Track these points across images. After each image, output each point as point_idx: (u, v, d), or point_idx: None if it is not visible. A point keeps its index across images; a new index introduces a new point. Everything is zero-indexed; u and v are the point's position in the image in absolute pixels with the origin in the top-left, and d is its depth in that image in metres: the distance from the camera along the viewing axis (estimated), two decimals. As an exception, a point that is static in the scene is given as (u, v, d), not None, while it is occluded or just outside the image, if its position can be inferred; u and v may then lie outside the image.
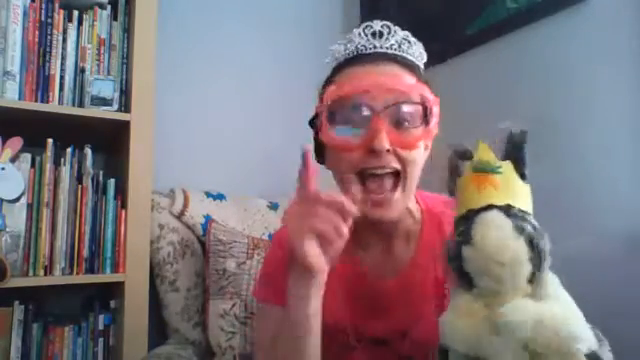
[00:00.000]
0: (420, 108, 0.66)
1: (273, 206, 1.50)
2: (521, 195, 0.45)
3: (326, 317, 0.72)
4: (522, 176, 0.47)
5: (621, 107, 1.11)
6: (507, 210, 0.43)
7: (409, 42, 0.70)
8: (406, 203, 0.69)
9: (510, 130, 0.48)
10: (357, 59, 0.69)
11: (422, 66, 0.72)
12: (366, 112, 0.64)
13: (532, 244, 0.41)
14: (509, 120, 0.49)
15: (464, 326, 0.43)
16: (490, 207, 0.44)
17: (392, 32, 0.69)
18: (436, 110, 0.67)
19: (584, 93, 1.17)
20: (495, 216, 0.42)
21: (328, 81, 0.72)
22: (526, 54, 1.32)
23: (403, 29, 0.71)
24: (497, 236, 0.41)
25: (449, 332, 0.45)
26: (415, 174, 0.68)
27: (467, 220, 0.44)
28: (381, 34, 0.69)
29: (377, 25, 0.69)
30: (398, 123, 0.65)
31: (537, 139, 1.32)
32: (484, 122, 1.53)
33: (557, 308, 0.41)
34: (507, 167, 0.46)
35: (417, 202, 0.77)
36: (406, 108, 0.65)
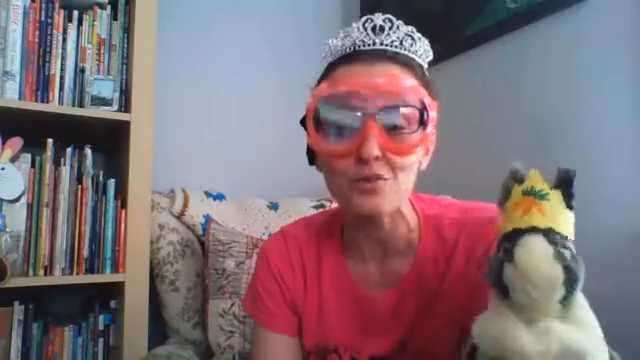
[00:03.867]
0: (417, 112, 0.61)
1: (273, 206, 1.50)
2: (564, 223, 0.48)
3: (322, 337, 0.72)
4: (569, 207, 0.49)
5: (621, 107, 1.11)
6: (548, 234, 0.47)
7: (412, 39, 0.64)
8: (399, 199, 0.64)
9: (560, 168, 0.50)
10: (353, 57, 0.63)
11: (426, 65, 0.67)
12: (357, 115, 0.59)
13: (568, 269, 0.45)
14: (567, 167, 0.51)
15: (492, 324, 0.48)
16: (534, 230, 0.47)
17: (394, 27, 0.63)
18: (433, 115, 0.62)
19: (584, 93, 1.17)
20: (538, 240, 0.46)
21: (320, 79, 0.67)
22: (526, 54, 1.32)
23: (405, 26, 0.65)
24: (536, 260, 0.45)
25: (479, 329, 0.49)
26: (409, 179, 0.63)
27: (511, 239, 0.48)
28: (382, 29, 0.63)
29: (378, 19, 0.63)
30: (392, 127, 0.60)
31: (537, 139, 1.33)
32: (484, 122, 1.54)
33: (582, 338, 0.45)
34: (555, 195, 0.49)
35: (413, 208, 0.72)
36: (401, 111, 0.60)
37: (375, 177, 0.60)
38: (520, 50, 1.34)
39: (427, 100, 0.61)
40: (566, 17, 1.21)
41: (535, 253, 0.45)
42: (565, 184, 0.49)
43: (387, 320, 0.69)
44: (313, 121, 0.63)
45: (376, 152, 0.58)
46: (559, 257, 0.45)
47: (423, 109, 0.61)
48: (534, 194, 0.49)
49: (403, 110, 0.60)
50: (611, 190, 1.10)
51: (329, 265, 0.74)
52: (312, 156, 0.68)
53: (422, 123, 0.61)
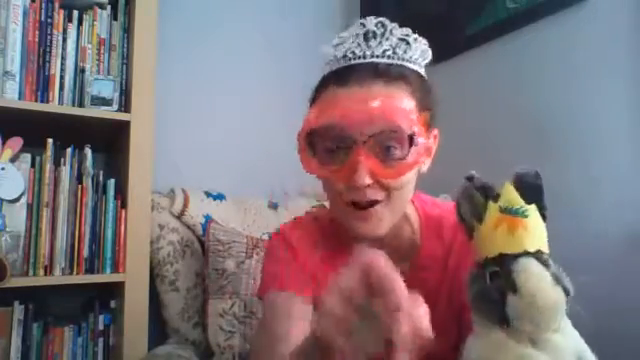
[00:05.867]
0: (409, 134, 0.60)
1: (273, 206, 1.51)
2: (544, 238, 0.48)
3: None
4: (543, 218, 0.49)
5: (621, 106, 1.11)
6: (539, 257, 0.46)
7: (407, 43, 0.63)
8: (395, 218, 0.65)
9: (522, 173, 0.50)
10: (344, 76, 0.62)
11: (423, 68, 0.67)
12: (347, 142, 0.59)
13: (566, 291, 0.45)
14: (524, 165, 0.50)
15: (508, 355, 0.47)
16: (525, 253, 0.47)
17: (387, 33, 0.62)
18: (422, 141, 0.61)
19: (584, 93, 1.17)
20: (536, 267, 0.46)
21: (314, 96, 0.67)
22: (526, 54, 1.32)
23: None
24: (541, 287, 0.45)
25: None
26: (404, 196, 0.64)
27: (503, 264, 0.47)
28: (375, 35, 0.62)
29: (371, 24, 0.62)
30: (384, 151, 0.60)
31: (537, 139, 1.33)
32: (484, 122, 1.54)
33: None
34: (532, 210, 0.48)
35: (415, 209, 0.73)
36: (392, 136, 0.59)
37: (368, 203, 0.60)
38: (520, 50, 1.34)
39: (416, 127, 0.60)
40: (566, 17, 1.21)
41: (538, 280, 0.45)
42: (535, 193, 0.49)
43: None
44: (305, 144, 0.63)
45: (367, 181, 0.58)
46: (557, 280, 0.45)
47: (413, 134, 0.60)
48: (517, 213, 0.48)
49: (394, 134, 0.59)
50: (610, 190, 1.10)
51: (338, 262, 0.73)
52: None
53: (414, 143, 0.60)
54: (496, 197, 0.49)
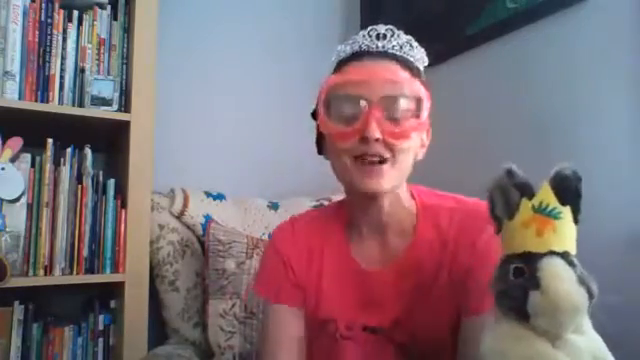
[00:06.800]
0: (414, 102, 0.69)
1: (273, 206, 1.51)
2: (573, 240, 0.48)
3: (318, 308, 0.77)
4: (575, 221, 0.49)
5: (621, 107, 1.11)
6: (566, 258, 0.46)
7: (411, 46, 0.73)
8: (398, 179, 0.71)
9: (565, 172, 0.49)
10: (359, 56, 0.72)
11: (422, 69, 0.74)
12: (361, 102, 0.67)
13: (590, 293, 0.45)
14: (567, 162, 0.50)
15: (523, 348, 0.47)
16: (552, 253, 0.46)
17: (395, 35, 0.72)
18: (427, 104, 0.69)
19: (584, 93, 1.17)
20: (562, 266, 0.46)
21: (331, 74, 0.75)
22: (526, 54, 1.32)
23: (403, 30, 0.73)
24: (565, 287, 0.44)
25: (499, 354, 0.48)
26: (406, 162, 0.70)
27: (527, 262, 0.47)
28: (384, 36, 0.72)
29: (381, 28, 0.72)
30: (392, 114, 0.67)
31: (537, 139, 1.32)
32: (484, 122, 1.53)
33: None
34: (567, 213, 0.48)
35: (412, 197, 0.78)
36: (400, 100, 0.68)
37: (377, 156, 0.67)
38: (520, 50, 1.34)
39: (423, 92, 0.69)
40: (566, 17, 1.21)
41: (563, 279, 0.44)
42: (574, 196, 0.49)
43: (383, 294, 0.74)
44: (324, 107, 0.71)
45: (377, 134, 0.66)
46: (581, 281, 0.45)
47: (419, 100, 0.69)
48: (549, 214, 0.47)
49: (402, 99, 0.68)
50: (610, 190, 1.10)
51: (333, 244, 0.79)
52: (320, 146, 0.77)
53: (418, 112, 0.69)
54: (531, 195, 0.49)
